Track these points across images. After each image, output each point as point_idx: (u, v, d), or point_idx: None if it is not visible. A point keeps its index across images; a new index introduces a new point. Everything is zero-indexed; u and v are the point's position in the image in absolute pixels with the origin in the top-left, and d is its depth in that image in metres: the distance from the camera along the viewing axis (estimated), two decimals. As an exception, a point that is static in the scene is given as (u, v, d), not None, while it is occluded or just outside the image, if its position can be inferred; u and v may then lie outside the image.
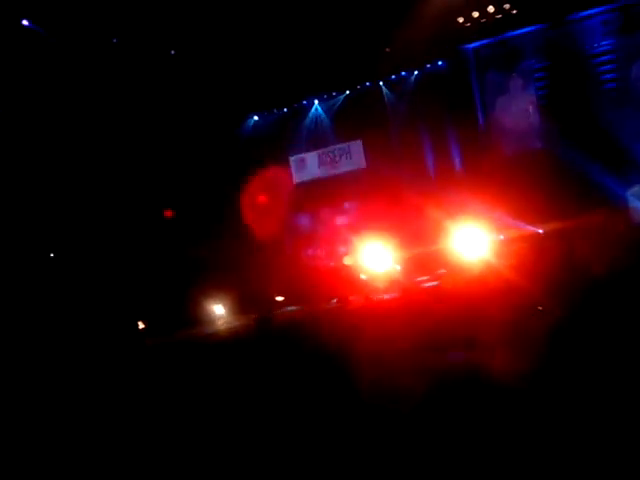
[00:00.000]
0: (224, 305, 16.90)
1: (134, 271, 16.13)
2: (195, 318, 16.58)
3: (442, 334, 9.41)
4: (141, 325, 15.77)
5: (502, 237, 15.05)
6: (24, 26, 14.30)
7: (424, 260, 15.53)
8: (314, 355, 9.69)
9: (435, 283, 14.41)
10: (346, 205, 18.28)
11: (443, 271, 15.03)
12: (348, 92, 18.41)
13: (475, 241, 14.64)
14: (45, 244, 15.26)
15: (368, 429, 6.07)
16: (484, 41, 17.35)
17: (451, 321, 9.87)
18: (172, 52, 16.60)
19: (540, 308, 9.92)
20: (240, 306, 16.59)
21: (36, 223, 14.78)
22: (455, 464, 5.08)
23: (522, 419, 5.55)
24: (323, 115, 18.75)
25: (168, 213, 17.38)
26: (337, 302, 15.34)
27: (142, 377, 10.92)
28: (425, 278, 15.20)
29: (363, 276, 15.83)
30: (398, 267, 15.53)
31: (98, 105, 15.91)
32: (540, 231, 14.84)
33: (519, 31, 16.81)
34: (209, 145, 17.75)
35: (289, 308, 16.38)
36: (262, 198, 18.44)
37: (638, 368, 6.24)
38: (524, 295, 10.45)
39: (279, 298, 16.67)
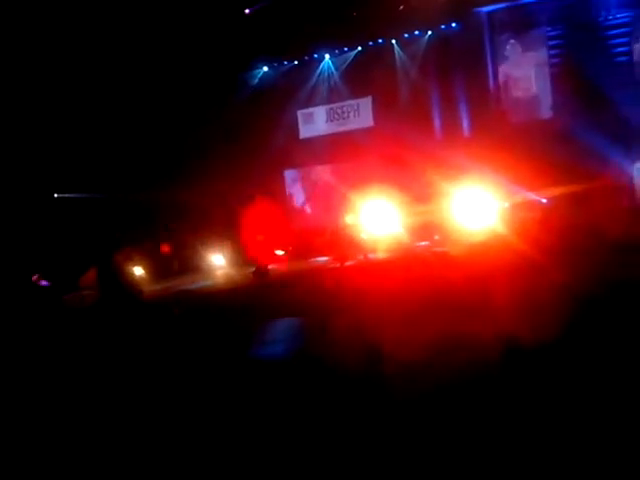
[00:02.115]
0: (224, 256, 16.93)
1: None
2: (195, 267, 16.65)
3: (442, 298, 9.35)
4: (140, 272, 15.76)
5: (507, 204, 14.99)
6: None
7: (426, 224, 15.45)
8: (307, 309, 9.70)
9: (439, 248, 14.39)
10: (351, 163, 18.14)
11: (437, 237, 15.10)
12: (360, 48, 18.15)
13: (479, 207, 14.60)
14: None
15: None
16: (500, 5, 17.10)
17: (453, 286, 9.85)
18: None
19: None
20: (239, 258, 16.62)
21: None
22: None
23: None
24: (333, 70, 18.49)
25: (165, 248, 17.23)
26: (335, 260, 15.30)
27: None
28: (425, 243, 15.23)
29: (364, 236, 15.73)
30: (401, 229, 15.48)
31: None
32: (543, 200, 14.78)
33: (536, -4, 16.60)
34: (218, 91, 17.50)
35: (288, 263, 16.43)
36: None
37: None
38: (529, 261, 10.50)
39: (279, 252, 16.66)
